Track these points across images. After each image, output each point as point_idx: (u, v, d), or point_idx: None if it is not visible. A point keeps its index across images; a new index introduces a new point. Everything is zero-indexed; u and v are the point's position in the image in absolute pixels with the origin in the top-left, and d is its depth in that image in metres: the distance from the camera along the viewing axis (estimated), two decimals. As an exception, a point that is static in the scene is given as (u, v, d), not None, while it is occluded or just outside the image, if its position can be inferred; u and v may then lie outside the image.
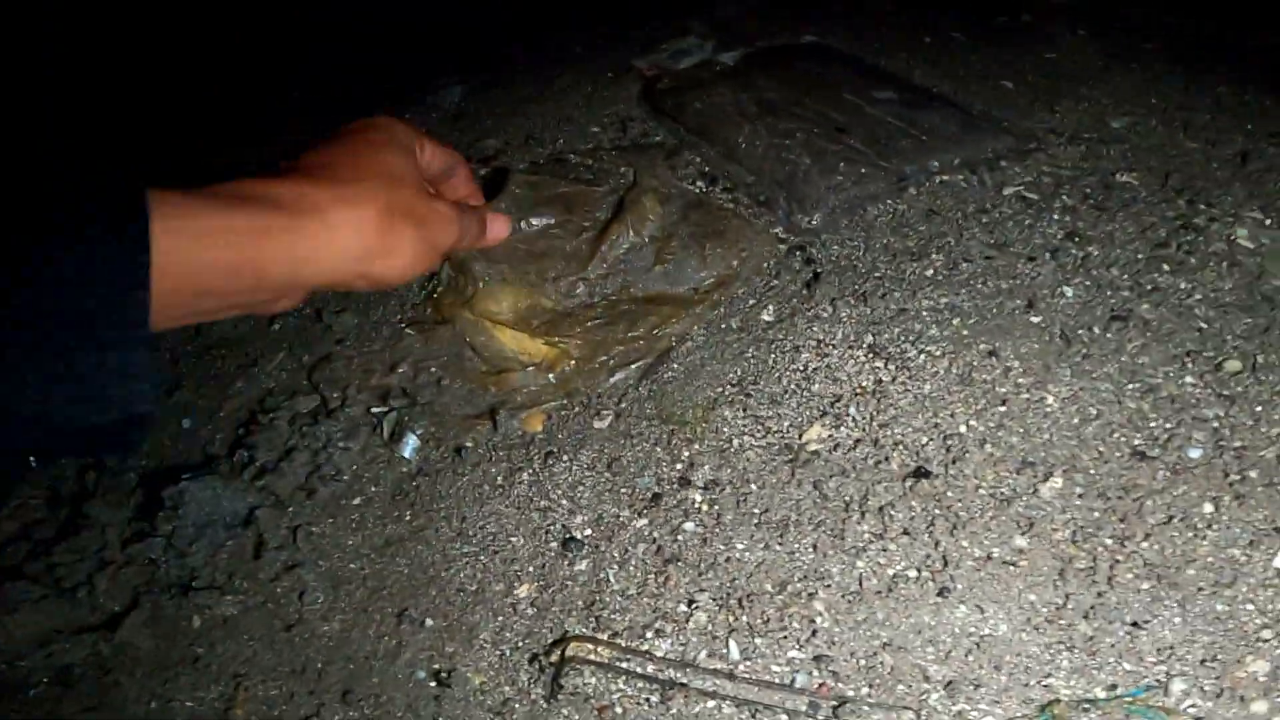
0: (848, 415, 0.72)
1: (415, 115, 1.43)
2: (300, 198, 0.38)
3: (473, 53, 1.67)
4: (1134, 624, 0.54)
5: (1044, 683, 0.53)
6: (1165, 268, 0.81)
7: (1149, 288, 0.79)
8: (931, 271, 0.82)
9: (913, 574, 0.60)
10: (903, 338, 0.77)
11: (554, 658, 0.64)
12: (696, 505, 0.69)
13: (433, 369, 0.90)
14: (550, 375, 0.86)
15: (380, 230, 0.41)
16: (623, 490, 0.73)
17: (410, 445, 0.81)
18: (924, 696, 0.54)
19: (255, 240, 0.36)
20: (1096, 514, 0.61)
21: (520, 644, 0.66)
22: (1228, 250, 0.83)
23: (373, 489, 0.79)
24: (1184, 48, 1.32)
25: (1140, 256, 0.83)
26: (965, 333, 0.77)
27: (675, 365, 0.82)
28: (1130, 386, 0.71)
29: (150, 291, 0.31)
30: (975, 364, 0.74)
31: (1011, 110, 1.13)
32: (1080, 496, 0.62)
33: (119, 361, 0.32)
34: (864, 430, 0.70)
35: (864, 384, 0.75)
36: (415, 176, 0.45)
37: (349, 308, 1.00)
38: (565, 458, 0.76)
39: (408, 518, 0.76)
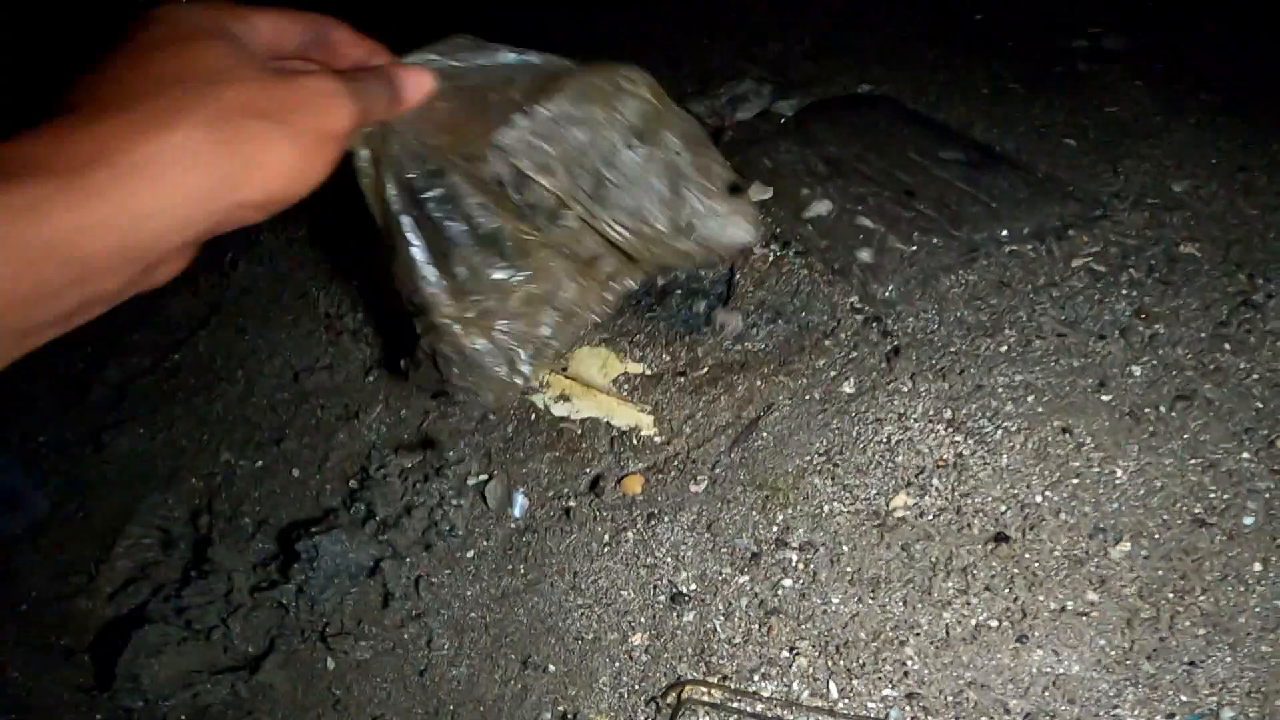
0: (931, 485, 0.88)
1: None
2: (73, 146, 0.31)
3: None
4: (1190, 663, 0.70)
5: (1112, 713, 0.69)
6: (1226, 347, 0.98)
7: (1211, 367, 0.96)
8: (1005, 348, 0.99)
9: (994, 623, 0.76)
10: (980, 413, 0.94)
11: (670, 699, 0.80)
12: (793, 564, 0.86)
13: (517, 436, 1.07)
14: (644, 440, 1.03)
15: (221, 143, 0.33)
16: (723, 550, 0.89)
17: (519, 505, 0.97)
18: (1007, 731, 0.70)
19: (27, 230, 0.29)
20: (1160, 572, 0.77)
21: (637, 687, 0.82)
22: (1283, 328, 0.99)
23: (484, 544, 0.96)
24: (1241, 96, 1.49)
25: (1203, 335, 0.99)
26: (1040, 410, 0.93)
27: (764, 434, 0.99)
28: (1192, 461, 0.87)
29: None
30: (1050, 439, 0.90)
31: (1076, 172, 1.30)
32: (1146, 558, 0.78)
33: None
34: (946, 500, 0.87)
35: (945, 457, 0.91)
36: (249, 61, 0.37)
37: (439, 364, 1.17)
38: (666, 519, 0.93)
39: (521, 571, 0.93)
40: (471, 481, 1.03)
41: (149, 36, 0.36)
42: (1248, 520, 0.82)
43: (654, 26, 2.03)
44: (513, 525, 0.97)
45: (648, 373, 1.08)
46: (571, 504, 0.97)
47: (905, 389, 0.98)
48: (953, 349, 1.01)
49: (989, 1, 2.01)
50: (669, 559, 0.89)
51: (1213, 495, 0.85)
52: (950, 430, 0.93)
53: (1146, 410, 0.91)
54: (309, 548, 0.93)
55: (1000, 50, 1.78)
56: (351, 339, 1.23)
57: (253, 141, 0.34)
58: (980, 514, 0.85)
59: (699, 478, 0.97)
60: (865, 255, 1.11)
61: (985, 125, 1.46)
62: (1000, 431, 0.92)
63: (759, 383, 1.03)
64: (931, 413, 0.95)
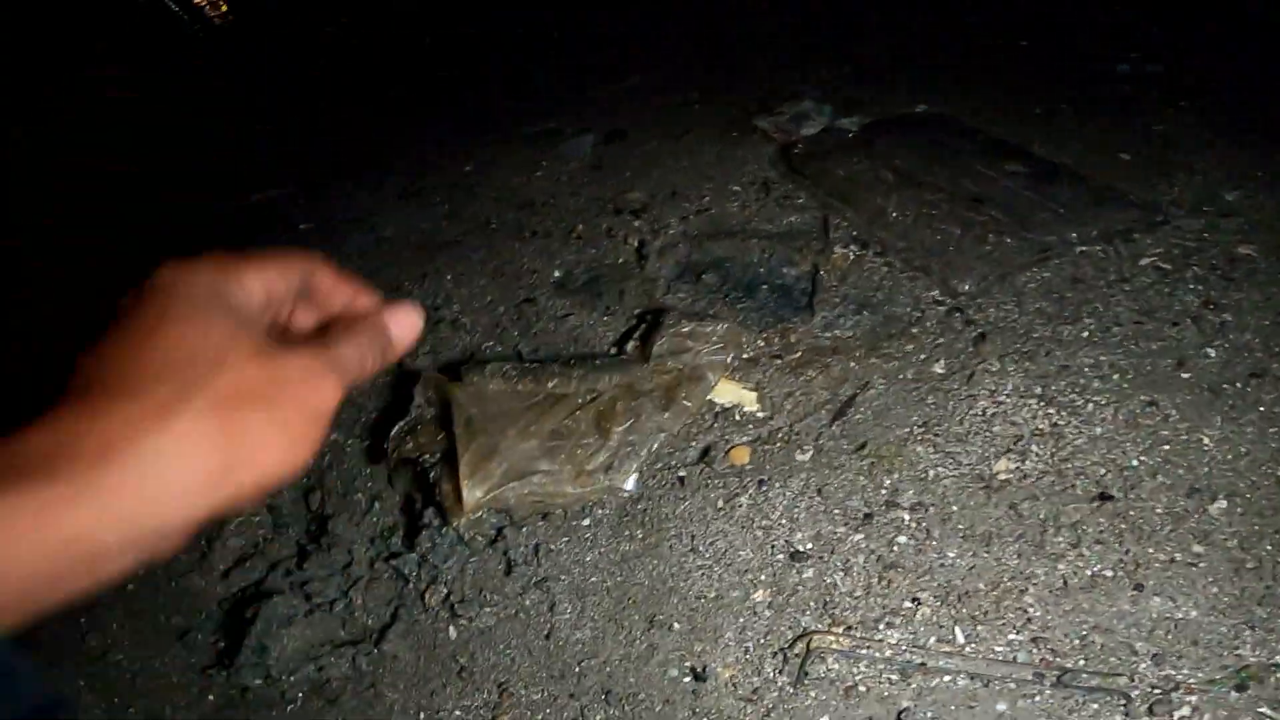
0: (1030, 451, 1.01)
1: (551, 164, 1.78)
2: (80, 441, 0.33)
3: (583, 100, 2.02)
4: (1298, 608, 0.83)
5: (1235, 653, 0.80)
6: (1290, 331, 1.12)
7: (1278, 350, 1.10)
8: (1086, 334, 1.13)
9: (1109, 573, 0.87)
10: (1069, 389, 1.07)
11: (798, 650, 0.90)
12: (906, 523, 0.97)
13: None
14: (747, 415, 1.14)
15: (220, 434, 0.36)
16: (835, 511, 1.00)
17: (631, 480, 1.08)
18: (1134, 666, 0.81)
19: (41, 530, 0.31)
20: (1256, 527, 0.89)
21: (763, 641, 0.92)
22: (1342, 316, 1.14)
23: (599, 512, 1.06)
24: (1272, 116, 1.68)
25: (1267, 322, 1.13)
26: (1125, 386, 1.06)
27: (862, 409, 1.11)
28: (1271, 430, 1.01)
29: None
30: (1138, 412, 1.03)
31: (1132, 183, 1.46)
32: (1241, 514, 0.91)
33: None
34: (1047, 464, 0.99)
35: (1040, 427, 1.04)
36: (245, 338, 0.39)
37: (543, 350, 1.29)
38: (777, 485, 1.04)
39: (639, 536, 1.03)
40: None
41: (152, 311, 0.38)
42: None
43: (711, 50, 2.22)
44: (624, 495, 1.08)
45: (745, 356, 1.20)
46: (683, 473, 1.08)
47: (994, 369, 1.10)
48: (1035, 335, 1.14)
49: (1032, 29, 2.22)
50: (783, 521, 1.00)
51: None
52: (1042, 404, 1.05)
53: (1224, 386, 1.05)
54: (434, 517, 1.03)
55: (1047, 75, 1.97)
56: (451, 328, 1.35)
57: (249, 433, 0.36)
58: (1081, 476, 0.97)
59: (804, 448, 1.09)
60: (943, 254, 1.25)
61: (1042, 141, 1.62)
62: (1090, 405, 1.04)
63: (852, 364, 1.15)
64: (1023, 389, 1.07)
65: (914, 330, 1.19)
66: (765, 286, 1.29)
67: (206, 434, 0.35)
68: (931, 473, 1.01)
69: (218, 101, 2.55)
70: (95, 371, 0.36)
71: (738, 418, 1.14)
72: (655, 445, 1.09)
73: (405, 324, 0.47)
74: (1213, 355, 1.09)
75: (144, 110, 2.51)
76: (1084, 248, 1.26)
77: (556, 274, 1.41)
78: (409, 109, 2.27)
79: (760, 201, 1.48)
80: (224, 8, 3.35)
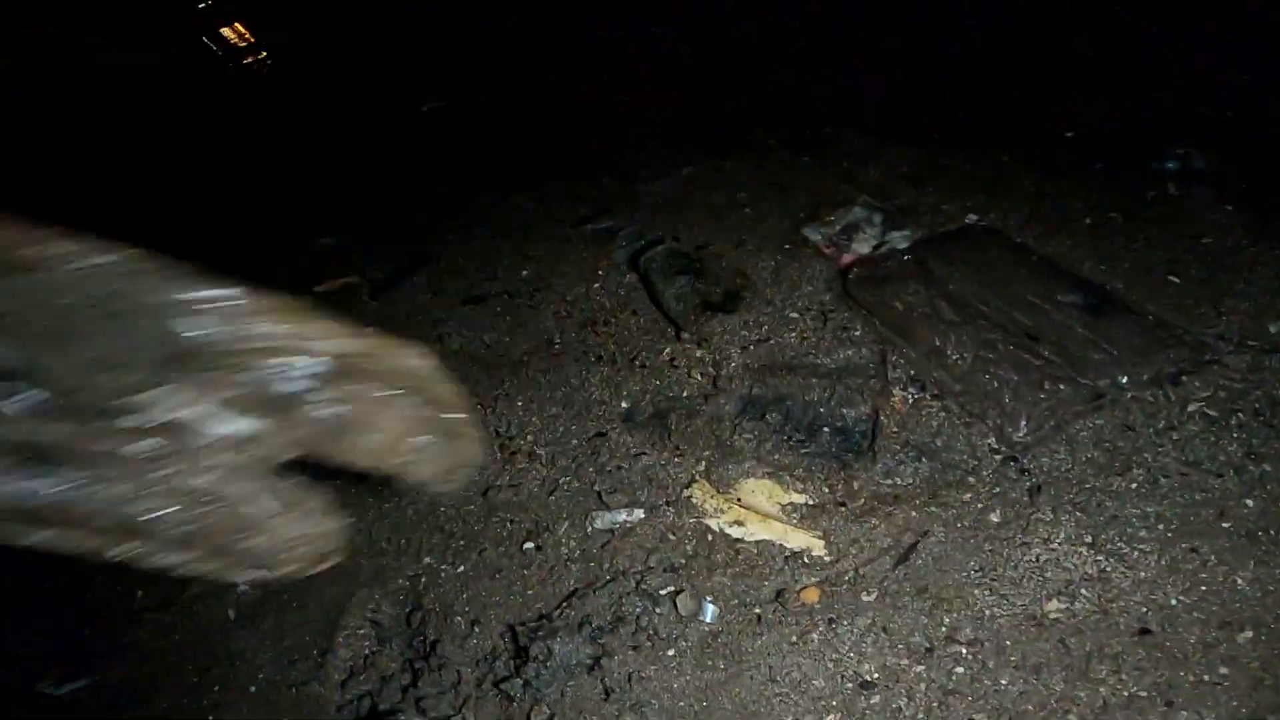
0: (1079, 594, 1.35)
1: (608, 274, 2.17)
2: None
3: (636, 193, 2.40)
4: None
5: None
6: (1326, 482, 1.46)
7: (1315, 498, 1.44)
8: (1135, 485, 1.47)
9: (1144, 693, 1.21)
10: (1118, 538, 1.41)
11: (867, 773, 1.24)
12: (964, 655, 1.31)
13: (698, 553, 1.52)
14: (815, 559, 1.49)
15: None
16: (899, 645, 1.34)
17: (709, 612, 1.43)
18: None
19: None
20: (1277, 651, 1.23)
21: (835, 763, 1.26)
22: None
23: (683, 643, 1.40)
24: None
25: (1307, 471, 1.48)
26: (1170, 534, 1.40)
27: (923, 555, 1.45)
28: None
29: None
30: (1180, 557, 1.37)
31: (1181, 314, 1.81)
32: (1265, 640, 1.25)
33: None
34: (1094, 605, 1.33)
35: (1089, 572, 1.38)
36: None
37: (618, 489, 1.64)
38: (845, 622, 1.38)
39: (721, 666, 1.37)
40: (663, 592, 1.48)
41: None
42: None
43: (754, 141, 2.61)
44: (705, 629, 1.42)
45: (810, 502, 1.55)
46: (758, 610, 1.42)
47: (1047, 519, 1.45)
48: (1087, 485, 1.49)
49: (1076, 118, 2.60)
50: (852, 654, 1.34)
51: None
52: (1092, 551, 1.40)
53: (1260, 534, 1.39)
54: (543, 649, 1.38)
55: (1094, 174, 2.35)
56: (527, 460, 1.70)
57: None
58: (1125, 614, 1.31)
59: (869, 590, 1.43)
60: (999, 401, 1.60)
61: (1092, 262, 1.99)
62: (1136, 552, 1.38)
63: (913, 513, 1.50)
64: (1074, 538, 1.42)
65: (971, 479, 1.53)
66: (826, 429, 1.64)
67: None
68: (988, 612, 1.35)
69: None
70: None
71: (806, 560, 1.49)
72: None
73: None
74: (1251, 505, 1.43)
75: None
76: (1135, 393, 1.61)
77: (624, 404, 1.77)
78: (462, 193, 2.66)
79: (818, 333, 1.84)
80: (264, 54, 3.80)
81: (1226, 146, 2.38)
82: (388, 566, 1.61)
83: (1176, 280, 1.91)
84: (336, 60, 3.67)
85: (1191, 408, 1.60)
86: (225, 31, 3.74)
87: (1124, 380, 1.63)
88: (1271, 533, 1.40)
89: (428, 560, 1.60)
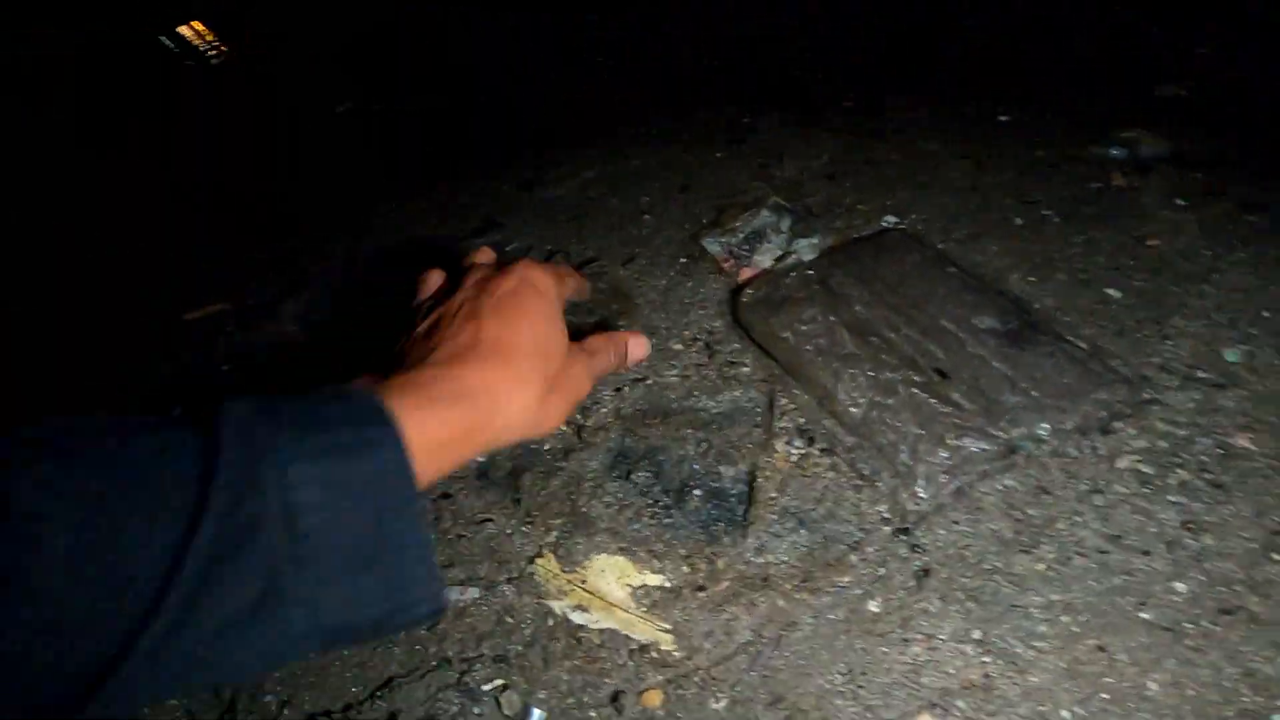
0: (955, 706, 0.95)
1: None
2: (489, 389, 0.59)
3: (531, 201, 1.97)
4: None
5: None
6: (1277, 558, 1.04)
7: (1260, 580, 1.02)
8: (1043, 566, 1.06)
9: None
10: (1011, 634, 1.00)
11: None
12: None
13: (535, 641, 1.13)
14: (664, 654, 1.09)
15: (540, 406, 0.63)
16: (746, 790, 0.95)
17: (536, 716, 1.05)
18: None
19: (464, 443, 0.57)
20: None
21: None
22: (1342, 538, 1.05)
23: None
24: None
25: (1255, 545, 1.06)
26: (1075, 629, 1.00)
27: (786, 653, 1.05)
28: (1229, 670, 0.95)
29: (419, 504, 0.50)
30: (1083, 658, 0.97)
31: (1121, 339, 1.37)
32: None
33: (422, 568, 0.49)
34: None
35: (972, 678, 0.98)
36: (562, 339, 0.69)
37: (456, 561, 1.25)
38: (687, 745, 0.99)
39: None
40: (487, 688, 1.10)
41: (519, 299, 0.68)
42: (1276, 717, 0.89)
43: (664, 135, 2.15)
44: None
45: (666, 585, 1.15)
46: (592, 715, 1.03)
47: (934, 609, 1.04)
48: (986, 566, 1.08)
49: (1015, 100, 2.12)
50: (690, 798, 0.95)
51: (1245, 700, 0.93)
52: (979, 651, 1.00)
53: (1186, 625, 0.98)
54: None
55: (1031, 162, 1.88)
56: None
57: (551, 406, 0.65)
58: None
59: (719, 696, 1.04)
60: (896, 459, 1.18)
61: (1022, 272, 1.54)
62: (1032, 652, 0.99)
63: (780, 601, 1.10)
64: (961, 634, 1.02)
65: (853, 558, 1.12)
66: (698, 492, 1.23)
67: (536, 402, 0.62)
68: None
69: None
70: (487, 341, 0.62)
71: (655, 655, 1.10)
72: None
73: (638, 345, 0.80)
74: (1182, 590, 1.02)
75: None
76: (1056, 445, 1.19)
77: (479, 459, 1.36)
78: (368, 197, 2.23)
79: (702, 369, 1.42)
80: (224, 49, 3.37)
81: (1180, 129, 1.90)
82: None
83: (1116, 294, 1.46)
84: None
85: (1122, 463, 1.17)
86: (183, 30, 3.30)
87: (1044, 430, 1.20)
88: (1203, 624, 0.99)
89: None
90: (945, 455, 1.17)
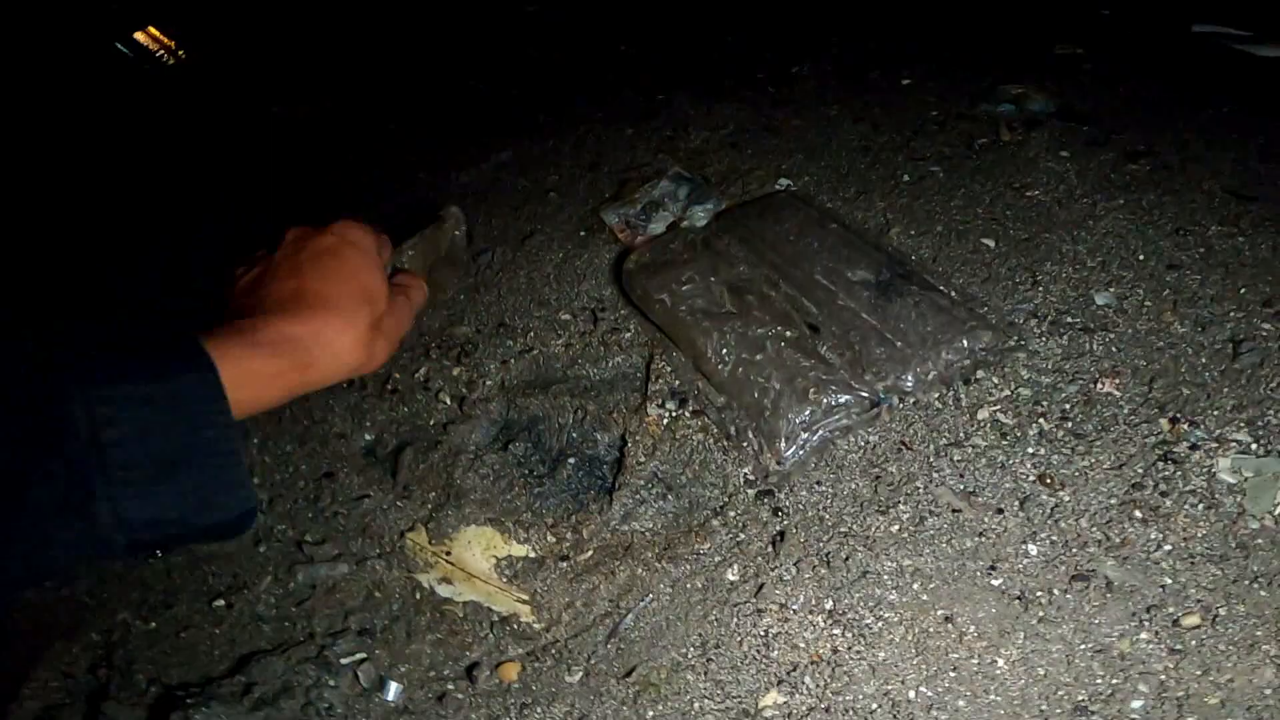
0: (802, 683, 0.82)
1: None
2: (315, 335, 0.58)
3: (448, 182, 1.80)
4: None
5: None
6: (1138, 515, 0.89)
7: (1118, 540, 0.87)
8: (897, 528, 0.91)
9: None
10: (861, 604, 0.86)
11: None
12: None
13: (402, 615, 0.99)
14: (524, 626, 0.95)
15: (367, 347, 0.62)
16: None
17: (393, 690, 0.93)
18: None
19: (288, 378, 0.56)
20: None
21: None
22: (1207, 488, 0.90)
23: (359, 733, 0.89)
24: (1169, 161, 1.41)
25: (1113, 502, 0.91)
26: (925, 598, 0.85)
27: (642, 624, 0.92)
28: (1082, 646, 0.81)
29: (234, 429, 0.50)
30: (931, 630, 0.83)
31: (992, 284, 1.22)
32: None
33: (228, 475, 0.50)
34: (817, 698, 0.80)
35: (820, 651, 0.84)
36: (382, 287, 0.66)
37: (329, 538, 1.10)
38: (539, 710, 0.88)
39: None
40: (345, 661, 0.97)
41: (344, 253, 0.65)
42: (1135, 704, 0.75)
43: (580, 116, 1.97)
44: (388, 706, 0.91)
45: (531, 555, 1.01)
46: (449, 688, 0.91)
47: (789, 576, 0.91)
48: (842, 529, 0.93)
49: (918, 63, 1.94)
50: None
51: (1099, 681, 0.78)
52: (829, 622, 0.86)
53: (1038, 594, 0.84)
54: (181, 718, 0.87)
55: (924, 121, 1.71)
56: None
57: (378, 347, 0.64)
58: (850, 712, 0.79)
59: (574, 668, 0.91)
60: (761, 417, 1.03)
61: (903, 226, 1.38)
62: (880, 623, 0.85)
63: (640, 570, 0.96)
64: (813, 603, 0.88)
65: (715, 523, 0.98)
66: (573, 459, 1.09)
67: (363, 344, 0.62)
68: (697, 705, 0.84)
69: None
70: (312, 292, 0.61)
71: (514, 628, 0.96)
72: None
73: (418, 295, 0.74)
74: (1034, 553, 0.87)
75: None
76: (919, 396, 1.04)
77: (367, 438, 1.22)
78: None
79: (586, 337, 1.26)
80: (182, 54, 3.14)
81: (1071, 86, 1.73)
82: (85, 621, 1.12)
83: (991, 243, 1.30)
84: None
85: (982, 414, 1.02)
86: (139, 35, 3.06)
87: (907, 382, 1.05)
88: (1055, 592, 0.85)
89: (123, 616, 1.09)
90: (808, 412, 1.02)
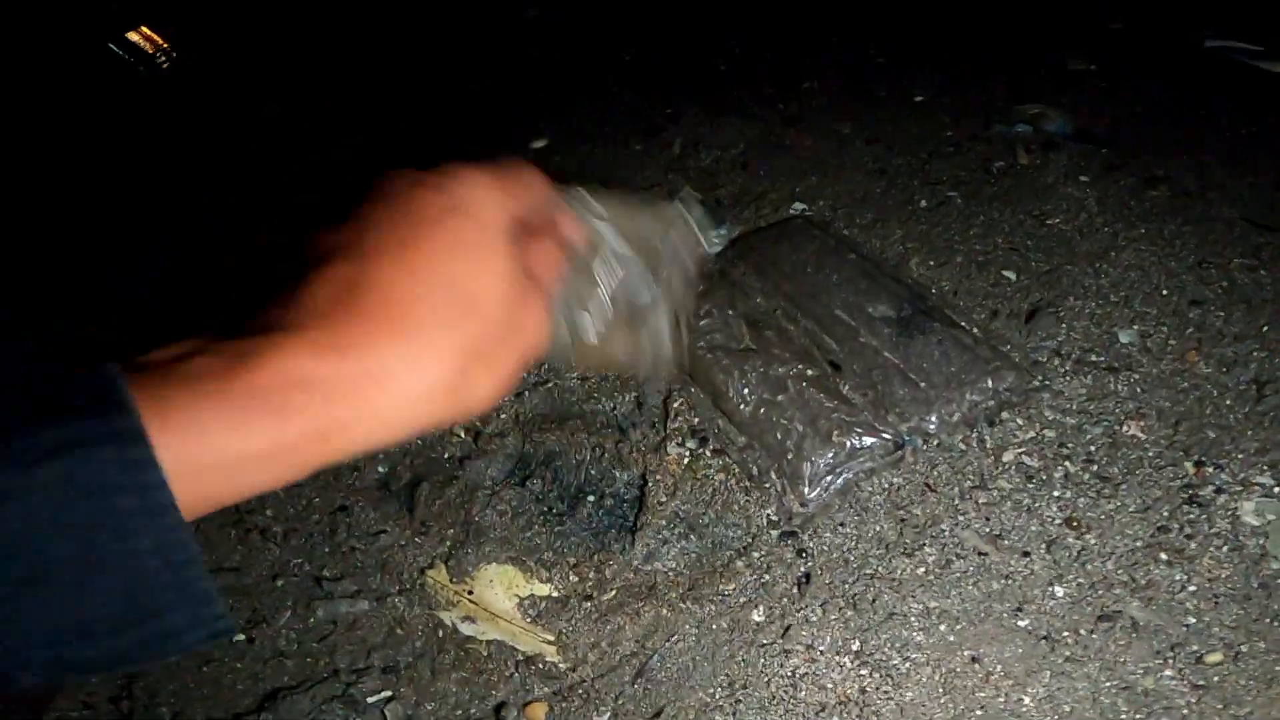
0: None
1: None
2: (361, 377, 0.34)
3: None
4: None
5: None
6: (1163, 557, 0.91)
7: (1143, 582, 0.89)
8: (923, 570, 0.92)
9: None
10: (889, 644, 0.88)
11: None
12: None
13: (425, 653, 1.00)
14: (549, 666, 0.96)
15: (452, 388, 0.36)
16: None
17: None
18: None
19: (301, 454, 0.32)
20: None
21: None
22: (1231, 530, 0.92)
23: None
24: (1189, 187, 1.43)
25: (1138, 545, 0.92)
26: (951, 639, 0.87)
27: (669, 664, 0.93)
28: (1107, 684, 0.82)
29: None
30: (958, 670, 0.84)
31: (1013, 321, 1.23)
32: None
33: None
34: None
35: (848, 692, 0.85)
36: (497, 284, 0.38)
37: (349, 574, 1.11)
38: (566, 762, 0.87)
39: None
40: (372, 699, 0.98)
41: (435, 228, 0.38)
42: None
43: (586, 132, 1.98)
44: None
45: (554, 595, 1.01)
46: None
47: (815, 618, 0.92)
48: (868, 571, 0.94)
49: (930, 78, 1.95)
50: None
51: (1124, 716, 0.81)
52: (857, 663, 0.87)
53: (1065, 634, 0.86)
54: None
55: (939, 143, 1.72)
56: (261, 538, 1.17)
57: (472, 383, 0.37)
58: None
59: (602, 709, 0.92)
60: (784, 459, 1.04)
61: (922, 256, 1.40)
62: (908, 664, 0.86)
63: (665, 610, 0.97)
64: (840, 644, 0.89)
65: (739, 564, 0.99)
66: (592, 497, 1.10)
67: (445, 380, 0.36)
68: None
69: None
70: (376, 277, 0.35)
71: (540, 667, 0.97)
72: None
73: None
74: (1060, 595, 0.89)
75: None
76: (943, 439, 1.05)
77: (381, 470, 1.22)
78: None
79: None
80: (176, 55, 3.13)
81: (1086, 105, 1.74)
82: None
83: (1012, 277, 1.32)
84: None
85: (1008, 457, 1.04)
86: (132, 35, 3.05)
87: (931, 424, 1.06)
88: (1081, 633, 0.86)
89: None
90: (831, 454, 1.03)
